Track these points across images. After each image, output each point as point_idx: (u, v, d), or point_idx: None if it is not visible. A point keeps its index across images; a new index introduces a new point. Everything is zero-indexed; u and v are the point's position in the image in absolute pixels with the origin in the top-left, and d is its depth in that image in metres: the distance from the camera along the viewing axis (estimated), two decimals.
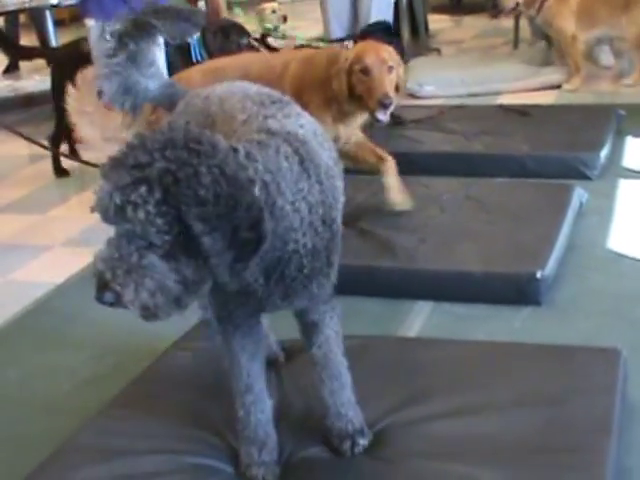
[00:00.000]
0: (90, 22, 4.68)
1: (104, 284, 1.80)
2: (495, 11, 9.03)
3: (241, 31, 5.82)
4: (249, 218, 1.76)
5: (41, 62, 7.45)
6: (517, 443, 2.32)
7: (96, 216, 1.80)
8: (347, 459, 2.34)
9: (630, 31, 6.49)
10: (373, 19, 6.05)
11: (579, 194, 4.10)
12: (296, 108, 2.30)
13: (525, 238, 3.57)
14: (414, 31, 8.31)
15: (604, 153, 4.71)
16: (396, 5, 7.40)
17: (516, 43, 7.67)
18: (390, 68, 3.77)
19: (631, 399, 2.65)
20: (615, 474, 2.22)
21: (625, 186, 4.48)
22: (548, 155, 4.70)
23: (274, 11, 7.91)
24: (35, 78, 8.68)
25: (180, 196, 1.72)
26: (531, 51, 7.51)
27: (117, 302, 1.81)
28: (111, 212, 1.75)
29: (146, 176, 1.72)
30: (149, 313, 1.84)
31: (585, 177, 4.55)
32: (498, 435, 2.37)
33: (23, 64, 9.99)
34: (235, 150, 1.86)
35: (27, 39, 9.82)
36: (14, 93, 8.35)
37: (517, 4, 6.67)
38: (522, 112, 5.47)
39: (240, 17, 6.59)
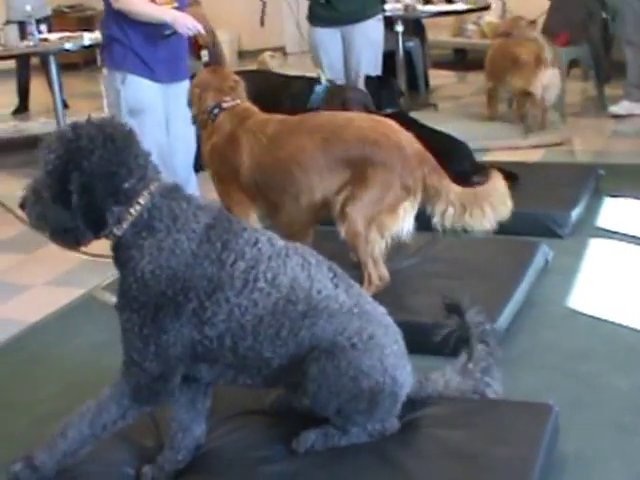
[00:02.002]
0: (104, 70, 4.87)
1: (23, 199, 2.50)
2: None
3: None
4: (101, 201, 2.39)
5: (49, 105, 7.47)
6: None
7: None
8: None
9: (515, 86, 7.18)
10: (363, 70, 6.15)
11: (544, 252, 4.19)
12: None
13: (481, 292, 3.59)
14: (413, 85, 8.43)
15: (576, 212, 4.80)
16: (393, 59, 7.55)
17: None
18: None
19: (564, 453, 2.74)
20: None
21: (594, 245, 4.57)
22: (520, 212, 4.74)
23: (272, 56, 8.17)
24: (41, 120, 8.87)
25: (73, 158, 2.37)
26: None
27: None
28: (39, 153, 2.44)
29: (62, 136, 2.40)
30: (38, 230, 2.52)
31: (556, 235, 4.63)
32: None
33: (32, 106, 10.23)
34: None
35: (37, 82, 10.03)
36: (19, 134, 8.51)
37: None
38: (510, 174, 5.49)
39: None
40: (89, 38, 7.22)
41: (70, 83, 11.58)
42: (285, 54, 7.57)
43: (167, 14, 4.56)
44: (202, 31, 4.66)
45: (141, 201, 2.41)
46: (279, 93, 5.63)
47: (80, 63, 12.80)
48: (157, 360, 2.44)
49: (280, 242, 2.58)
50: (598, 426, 2.92)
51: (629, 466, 2.70)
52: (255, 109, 4.08)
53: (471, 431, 2.65)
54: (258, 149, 3.84)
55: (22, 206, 2.51)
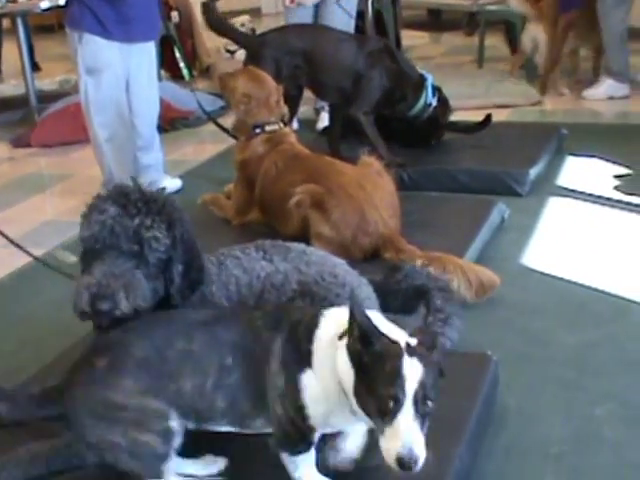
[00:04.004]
0: (67, 30, 4.87)
1: (102, 295, 2.20)
2: (469, 28, 9.23)
3: None
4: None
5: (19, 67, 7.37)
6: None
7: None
8: None
9: None
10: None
11: (500, 209, 4.20)
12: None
13: (435, 249, 3.63)
14: None
15: (536, 170, 4.81)
16: (363, 18, 7.49)
17: (481, 62, 7.77)
18: None
19: (506, 406, 2.78)
20: (461, 477, 2.31)
21: (553, 203, 4.59)
22: (480, 170, 4.79)
23: (243, 24, 8.14)
24: (11, 83, 8.82)
25: (178, 228, 2.30)
26: (493, 70, 7.66)
27: (112, 309, 2.20)
28: (120, 234, 2.22)
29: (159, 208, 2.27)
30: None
31: (515, 193, 4.66)
32: None
33: (5, 68, 10.16)
34: None
35: (10, 45, 9.93)
36: None
37: None
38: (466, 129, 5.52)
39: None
40: None
41: (45, 45, 11.50)
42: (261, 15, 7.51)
43: None
44: None
45: None
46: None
47: (54, 25, 12.69)
48: None
49: (220, 251, 2.63)
50: (542, 381, 2.95)
51: (569, 420, 2.72)
52: (288, 137, 4.10)
53: None
54: (268, 179, 4.00)
55: (101, 299, 2.22)
